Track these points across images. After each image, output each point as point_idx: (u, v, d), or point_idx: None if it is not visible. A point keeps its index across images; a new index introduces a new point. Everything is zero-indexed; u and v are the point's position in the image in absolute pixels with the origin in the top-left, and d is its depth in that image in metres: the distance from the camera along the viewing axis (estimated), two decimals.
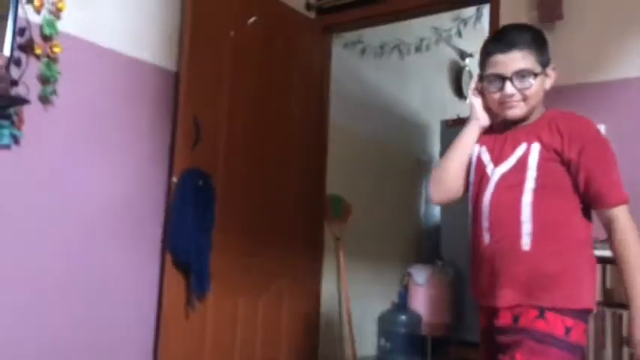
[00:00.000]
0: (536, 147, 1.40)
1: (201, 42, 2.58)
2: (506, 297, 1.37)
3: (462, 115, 4.38)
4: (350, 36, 3.65)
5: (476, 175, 1.48)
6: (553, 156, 1.39)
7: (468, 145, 1.51)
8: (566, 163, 1.39)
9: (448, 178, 1.52)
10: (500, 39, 1.46)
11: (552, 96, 2.49)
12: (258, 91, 2.90)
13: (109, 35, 2.36)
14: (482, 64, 1.49)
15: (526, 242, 1.36)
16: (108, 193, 2.35)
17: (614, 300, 1.91)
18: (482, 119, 1.51)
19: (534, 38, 1.48)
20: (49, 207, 2.14)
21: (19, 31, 2.00)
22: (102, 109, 2.34)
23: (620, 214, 1.36)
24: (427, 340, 3.60)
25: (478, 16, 4.18)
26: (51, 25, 2.09)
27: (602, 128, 2.38)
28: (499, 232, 1.39)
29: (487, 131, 1.53)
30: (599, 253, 1.92)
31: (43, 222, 2.12)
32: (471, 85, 1.55)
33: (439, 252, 4.00)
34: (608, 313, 1.92)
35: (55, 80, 2.12)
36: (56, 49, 2.10)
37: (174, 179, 2.45)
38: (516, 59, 1.41)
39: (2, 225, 2.00)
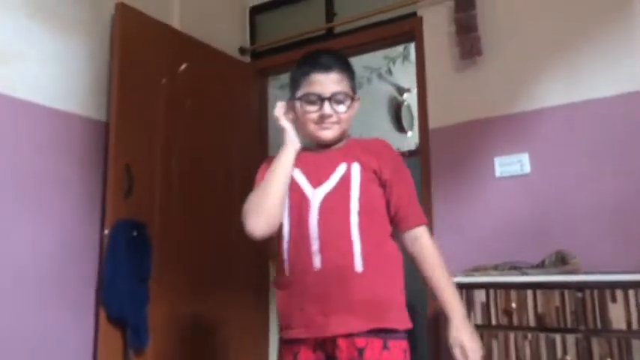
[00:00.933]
0: (356, 167, 1.42)
1: (131, 90, 2.57)
2: (346, 323, 1.31)
3: (402, 150, 4.48)
4: (286, 78, 3.70)
5: (292, 199, 1.41)
6: (372, 176, 1.42)
7: (289, 169, 1.42)
8: (383, 184, 1.43)
9: (272, 203, 1.39)
10: (318, 60, 1.44)
11: (478, 127, 2.61)
12: (194, 136, 2.88)
13: (33, 89, 2.32)
14: (297, 84, 1.46)
15: (358, 263, 1.34)
16: (37, 250, 2.27)
17: (546, 325, 1.95)
18: (296, 143, 1.45)
19: (348, 65, 1.49)
20: None
21: None
22: (26, 162, 2.27)
23: (425, 232, 1.46)
24: None
25: (405, 55, 4.33)
26: None
27: (525, 156, 2.49)
28: (331, 254, 1.35)
29: (299, 155, 1.47)
30: (528, 279, 1.98)
31: None
32: (278, 109, 1.49)
33: None
34: (542, 337, 1.96)
35: None
36: None
37: (106, 231, 2.39)
38: (335, 81, 1.42)
39: None
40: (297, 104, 1.45)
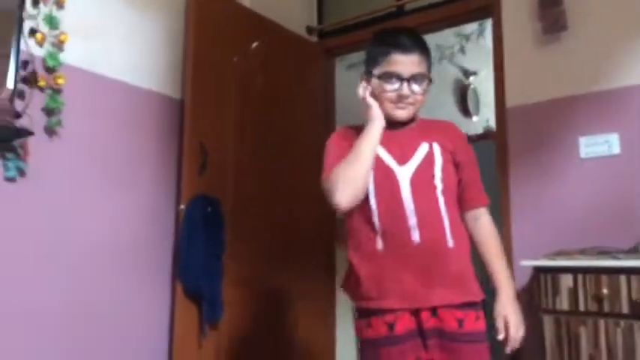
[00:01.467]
0: (437, 148, 1.48)
1: (204, 68, 2.58)
2: (446, 296, 1.40)
3: (469, 133, 4.35)
4: (353, 57, 3.65)
5: (377, 175, 1.43)
6: (449, 157, 1.49)
7: (376, 144, 1.44)
8: (456, 165, 1.50)
9: (361, 176, 1.40)
10: (398, 40, 1.47)
11: (561, 105, 2.49)
12: (264, 115, 2.88)
13: (113, 66, 2.36)
14: (375, 61, 1.49)
15: (450, 239, 1.43)
16: (116, 224, 2.32)
17: None
18: (382, 119, 1.46)
19: (426, 46, 1.52)
20: (56, 240, 2.11)
21: (22, 64, 2.00)
22: (107, 139, 2.32)
23: (487, 212, 1.54)
24: None
25: (480, 31, 4.18)
26: (54, 57, 2.09)
27: (615, 136, 2.36)
28: (428, 229, 1.40)
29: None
30: (623, 263, 1.87)
31: (51, 255, 2.09)
32: (362, 88, 1.50)
33: None
34: (636, 325, 1.85)
35: (60, 111, 2.11)
36: (60, 81, 2.10)
37: (182, 206, 2.41)
38: (415, 62, 1.46)
39: (9, 259, 1.97)
40: (375, 81, 1.49)
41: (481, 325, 1.44)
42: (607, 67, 2.42)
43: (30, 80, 2.03)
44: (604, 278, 1.92)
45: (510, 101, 2.66)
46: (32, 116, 2.00)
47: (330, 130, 3.36)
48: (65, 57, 2.14)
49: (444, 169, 1.46)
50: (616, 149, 2.35)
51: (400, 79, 1.44)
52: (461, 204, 1.51)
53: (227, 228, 2.51)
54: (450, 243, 1.43)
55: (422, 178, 1.43)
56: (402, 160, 1.45)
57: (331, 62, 3.50)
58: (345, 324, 3.31)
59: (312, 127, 3.21)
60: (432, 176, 1.44)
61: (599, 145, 2.39)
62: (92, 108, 2.28)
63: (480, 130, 4.36)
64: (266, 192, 2.83)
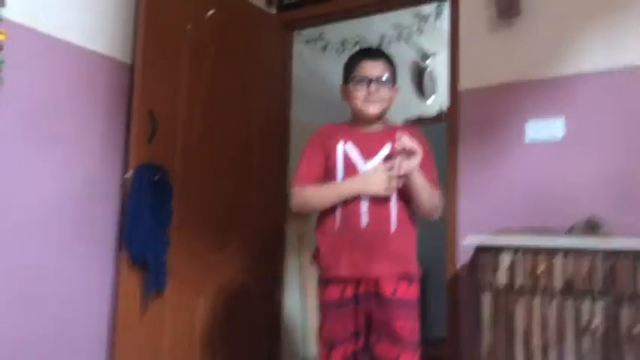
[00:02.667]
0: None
1: (156, 34, 2.51)
2: (385, 268, 1.71)
3: (423, 116, 4.41)
4: (311, 32, 3.63)
5: (346, 168, 1.75)
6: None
7: (343, 199, 1.73)
8: None
9: (316, 210, 1.81)
10: (368, 51, 1.91)
11: (512, 90, 2.54)
12: (217, 86, 2.83)
13: (60, 25, 2.26)
14: (349, 69, 1.83)
15: (393, 225, 1.73)
16: (58, 191, 2.24)
17: (574, 290, 1.92)
18: (366, 192, 1.72)
19: (392, 61, 1.88)
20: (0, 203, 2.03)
21: None
22: (51, 100, 2.23)
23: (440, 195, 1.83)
24: None
25: (438, 13, 4.21)
26: None
27: (561, 121, 2.43)
28: (375, 216, 1.71)
29: (348, 130, 1.83)
30: (557, 243, 1.94)
31: None
32: (393, 166, 1.70)
33: None
34: (568, 302, 1.93)
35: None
36: (0, 37, 1.99)
37: (129, 174, 2.36)
38: (381, 67, 1.80)
39: None
40: (350, 85, 1.82)
41: (413, 292, 1.76)
42: (557, 53, 2.48)
43: None
44: (541, 256, 1.99)
45: (463, 84, 2.70)
46: None
47: (284, 104, 3.34)
48: (6, 12, 2.03)
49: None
50: (560, 134, 2.42)
51: (368, 80, 1.77)
52: None
53: (175, 198, 2.47)
54: (393, 228, 1.73)
55: None
56: (367, 157, 1.76)
57: (289, 36, 3.46)
58: (292, 299, 3.34)
59: (267, 100, 3.17)
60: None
61: (544, 129, 2.46)
62: (35, 68, 2.18)
63: (433, 113, 4.43)
64: (216, 164, 2.79)
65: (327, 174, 1.79)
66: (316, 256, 1.82)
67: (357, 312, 1.73)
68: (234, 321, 2.83)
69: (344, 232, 1.73)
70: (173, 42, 2.60)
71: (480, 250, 2.12)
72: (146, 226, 2.31)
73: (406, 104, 4.65)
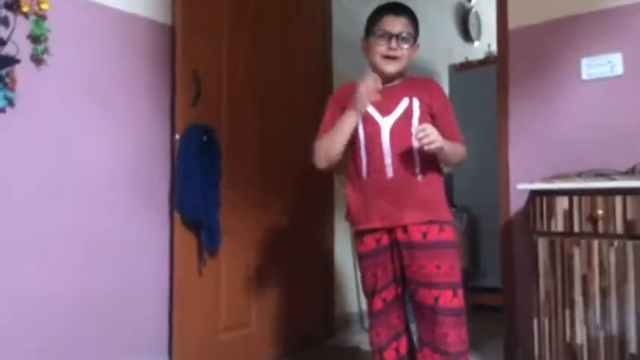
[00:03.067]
0: (416, 102, 1.79)
1: None
2: (414, 216, 1.75)
3: (470, 59, 4.26)
4: None
5: (366, 125, 1.79)
6: (426, 108, 1.80)
7: (352, 128, 1.79)
8: (433, 115, 1.81)
9: (336, 152, 1.81)
10: (391, 6, 1.84)
11: (564, 25, 2.41)
12: (257, 43, 2.80)
13: None
14: (371, 23, 1.83)
15: (419, 174, 1.78)
16: (110, 154, 2.31)
17: (635, 232, 1.85)
18: (357, 116, 1.77)
19: (415, 16, 1.86)
20: (50, 171, 2.10)
21: None
22: (97, 66, 2.27)
23: (464, 146, 1.85)
24: None
25: None
26: None
27: (618, 57, 2.30)
28: (400, 167, 1.76)
29: None
30: (619, 184, 1.87)
31: (46, 187, 2.09)
32: (366, 79, 1.74)
33: (452, 199, 3.95)
34: (629, 244, 1.87)
35: (46, 38, 2.04)
36: (44, 6, 2.02)
37: (177, 136, 2.39)
38: (403, 24, 1.79)
39: (5, 188, 1.97)
40: (371, 39, 1.82)
41: (445, 235, 1.77)
42: None
43: (13, 6, 1.95)
44: (599, 199, 1.92)
45: (512, 22, 2.58)
46: (18, 44, 1.94)
47: (326, 56, 3.28)
48: None
49: (420, 120, 1.77)
50: (619, 70, 2.29)
51: (390, 35, 1.77)
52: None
53: (224, 157, 2.50)
54: (419, 177, 1.78)
55: (400, 127, 1.77)
56: (386, 113, 1.79)
57: None
58: (343, 254, 3.37)
59: (308, 52, 3.13)
60: (410, 125, 1.76)
61: (601, 66, 2.33)
62: (79, 35, 2.21)
63: (481, 56, 4.26)
64: (262, 121, 2.80)
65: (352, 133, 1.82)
66: (348, 212, 1.88)
67: (393, 259, 1.81)
68: (288, 274, 2.89)
69: (371, 185, 1.79)
70: (212, 0, 2.57)
71: (535, 195, 2.06)
72: (197, 186, 2.36)
73: (451, 49, 4.49)
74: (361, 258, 1.87)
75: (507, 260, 2.55)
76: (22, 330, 2.00)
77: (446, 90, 4.24)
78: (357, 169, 1.82)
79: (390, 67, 1.80)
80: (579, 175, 2.15)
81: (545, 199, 2.04)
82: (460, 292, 1.74)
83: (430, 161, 1.79)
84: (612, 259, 1.90)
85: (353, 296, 3.38)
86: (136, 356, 2.33)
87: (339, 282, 3.32)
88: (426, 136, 1.65)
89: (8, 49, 1.91)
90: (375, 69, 1.82)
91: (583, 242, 1.96)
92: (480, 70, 3.94)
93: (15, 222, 1.99)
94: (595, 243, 1.93)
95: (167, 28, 2.52)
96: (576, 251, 1.97)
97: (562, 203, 2.00)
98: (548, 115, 2.45)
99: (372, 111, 1.80)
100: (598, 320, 1.91)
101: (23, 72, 1.98)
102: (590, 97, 2.36)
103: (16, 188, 2.00)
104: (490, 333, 2.91)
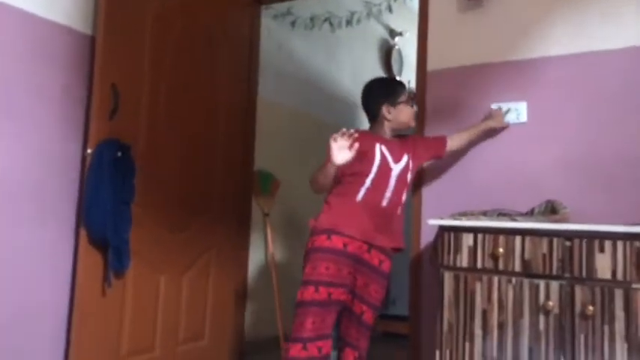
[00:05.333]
0: (410, 158, 2.31)
1: (119, 4, 2.42)
2: (386, 241, 2.21)
3: None
4: (279, 7, 3.56)
5: (381, 164, 2.21)
6: (414, 161, 2.34)
7: (332, 174, 2.11)
8: (418, 157, 2.36)
9: (325, 189, 2.21)
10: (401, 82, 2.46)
11: (478, 72, 2.57)
12: (182, 61, 2.76)
13: None
14: (398, 93, 2.33)
15: (400, 210, 2.27)
16: (15, 164, 2.18)
17: (532, 270, 1.98)
18: (337, 160, 2.01)
19: None
20: None
21: None
22: (7, 71, 2.15)
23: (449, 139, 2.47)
24: None
25: None
26: None
27: (523, 105, 2.47)
28: (392, 201, 2.22)
29: (378, 137, 2.28)
30: (518, 225, 1.99)
31: None
32: (334, 138, 2.00)
33: None
34: (526, 282, 1.99)
35: None
36: None
37: (89, 150, 2.30)
38: None
39: None
40: (401, 105, 2.32)
41: (389, 267, 2.26)
42: (522, 37, 2.50)
43: None
44: (501, 238, 2.03)
45: (431, 64, 2.71)
46: None
47: (251, 80, 3.29)
48: None
49: (411, 171, 2.31)
50: (524, 117, 2.46)
51: (413, 102, 2.39)
52: (438, 154, 2.43)
53: (138, 175, 2.42)
54: (399, 211, 2.27)
55: (402, 175, 2.27)
56: (396, 161, 2.26)
57: (257, 10, 3.40)
58: (258, 276, 3.35)
59: (233, 75, 3.12)
60: (406, 176, 2.29)
61: (509, 112, 2.49)
62: None
63: None
64: (181, 140, 2.74)
65: (362, 165, 2.16)
66: (325, 215, 2.16)
67: (347, 267, 2.11)
68: (199, 299, 2.82)
69: (365, 205, 2.16)
70: (136, 13, 2.52)
71: (444, 231, 2.15)
72: (107, 204, 2.26)
73: None
74: (320, 251, 2.09)
75: (415, 291, 2.64)
76: None
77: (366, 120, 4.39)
78: (353, 189, 2.18)
79: (413, 124, 2.42)
80: (484, 213, 2.27)
81: (452, 234, 2.13)
82: (377, 314, 2.25)
83: (404, 203, 2.29)
84: (510, 294, 2.01)
85: (265, 319, 3.35)
86: None
87: (256, 306, 3.28)
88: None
89: None
90: (402, 126, 2.34)
91: (485, 278, 2.06)
92: None
93: None
94: (495, 279, 2.04)
95: (87, 37, 2.44)
96: (478, 286, 2.06)
97: (467, 240, 2.10)
98: (458, 154, 2.58)
99: (386, 152, 2.25)
100: (495, 353, 2.01)
101: None
102: (498, 140, 2.51)
103: None
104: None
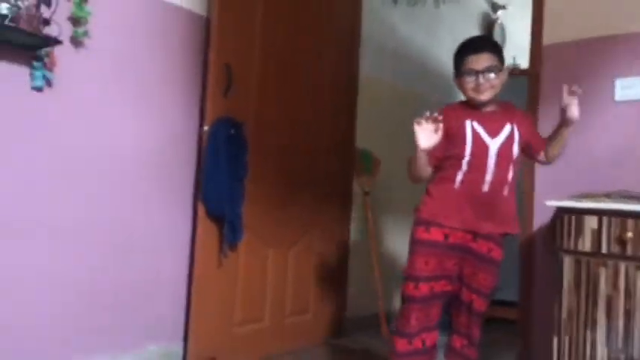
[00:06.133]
0: (516, 129, 1.97)
1: None
2: (492, 227, 1.96)
3: None
4: None
5: (475, 142, 1.94)
6: (521, 135, 1.97)
7: (425, 161, 1.94)
8: (524, 135, 1.99)
9: (422, 178, 2.02)
10: (471, 45, 1.99)
11: (600, 46, 2.40)
12: (289, 40, 2.80)
13: None
14: (458, 64, 1.99)
15: (505, 191, 1.97)
16: (139, 141, 2.31)
17: None
18: (423, 144, 1.87)
19: (496, 45, 2.04)
20: (81, 151, 2.11)
21: None
22: (134, 52, 2.27)
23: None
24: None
25: None
26: None
27: None
28: (495, 185, 1.94)
29: (470, 110, 1.99)
30: None
31: (77, 165, 2.09)
32: (420, 118, 1.86)
33: None
34: None
35: (86, 21, 2.04)
36: None
37: (206, 128, 2.39)
38: (485, 59, 1.94)
39: (35, 168, 1.98)
40: (461, 79, 1.98)
41: (500, 254, 1.99)
42: None
43: None
44: (630, 222, 1.91)
45: (547, 38, 2.57)
46: (59, 25, 1.94)
47: (353, 57, 3.28)
48: None
49: (517, 142, 1.96)
50: None
51: (476, 72, 1.92)
52: (533, 150, 2.02)
53: (249, 152, 2.50)
54: (505, 192, 1.97)
55: (504, 150, 1.95)
56: (493, 135, 1.95)
57: None
58: (359, 253, 3.37)
59: (337, 53, 3.13)
60: (511, 150, 1.95)
61: (635, 87, 2.33)
62: (118, 20, 2.21)
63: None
64: (289, 117, 2.79)
65: (454, 147, 1.94)
66: (424, 205, 2.01)
67: (451, 257, 1.97)
68: (303, 272, 2.89)
69: (464, 192, 1.95)
70: None
71: (563, 213, 2.05)
72: (223, 180, 2.35)
73: None
74: (419, 244, 1.98)
75: (527, 275, 2.55)
76: (45, 313, 2.01)
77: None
78: (451, 175, 1.97)
79: (483, 97, 1.94)
80: (607, 195, 2.14)
81: (573, 217, 2.03)
82: (488, 302, 2.03)
83: (515, 176, 1.99)
84: (639, 282, 1.89)
85: (368, 299, 3.37)
86: (154, 343, 2.34)
87: (356, 284, 3.31)
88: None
89: (50, 30, 1.90)
90: (470, 100, 1.99)
91: (610, 263, 1.95)
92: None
93: (40, 202, 2.00)
94: (622, 265, 1.93)
95: (202, 19, 2.52)
96: (602, 272, 1.96)
97: (591, 223, 1.99)
98: (577, 132, 2.43)
99: (480, 130, 1.96)
100: (620, 343, 1.91)
101: (62, 53, 1.98)
102: (622, 118, 2.35)
103: (46, 165, 2.00)
104: (501, 346, 2.91)
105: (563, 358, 2.00)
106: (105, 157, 2.18)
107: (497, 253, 1.98)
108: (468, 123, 1.95)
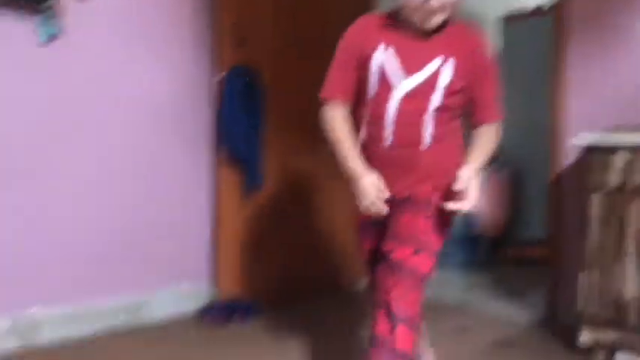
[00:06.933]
0: (449, 66, 1.41)
1: None
2: (414, 188, 1.51)
3: (520, 11, 4.04)
4: None
5: (380, 84, 1.44)
6: (460, 75, 1.42)
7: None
8: (468, 83, 1.44)
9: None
10: None
11: None
12: None
13: None
14: None
15: (425, 143, 1.45)
16: (154, 89, 2.32)
17: None
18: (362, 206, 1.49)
19: None
20: (95, 101, 2.13)
21: None
22: (144, 2, 2.25)
23: (497, 126, 1.53)
24: (483, 240, 3.56)
25: None
26: None
27: None
28: (402, 135, 1.46)
29: (393, 29, 1.44)
30: None
31: (91, 116, 2.12)
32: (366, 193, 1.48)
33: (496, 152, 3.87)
34: None
35: None
36: None
37: (223, 73, 2.38)
38: None
39: (49, 121, 2.01)
40: None
41: (437, 198, 1.48)
42: None
43: None
44: None
45: None
46: None
47: (370, 6, 3.18)
48: None
49: (447, 89, 1.42)
50: None
51: None
52: (472, 117, 1.51)
53: (267, 100, 2.49)
54: (424, 146, 1.46)
55: (418, 93, 1.42)
56: (409, 71, 1.42)
57: None
58: None
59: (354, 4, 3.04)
60: (429, 96, 1.42)
61: None
62: None
63: (530, 7, 4.06)
64: (305, 67, 2.74)
65: (361, 84, 1.48)
66: None
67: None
68: (326, 223, 2.91)
69: (370, 148, 1.52)
70: None
71: (591, 150, 2.00)
72: (242, 126, 2.37)
73: None
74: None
75: (556, 213, 2.51)
76: (79, 252, 2.10)
77: (495, 42, 4.09)
78: (359, 125, 1.56)
79: (433, 22, 1.39)
80: (637, 129, 2.07)
81: (602, 153, 1.97)
82: (434, 259, 1.50)
83: (444, 125, 1.48)
84: None
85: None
86: (182, 281, 2.43)
87: None
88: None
89: None
90: (407, 19, 1.42)
91: (638, 200, 1.90)
92: (529, 22, 3.78)
93: (56, 148, 2.04)
94: None
95: None
96: (632, 206, 1.92)
97: (620, 158, 1.94)
98: (604, 68, 2.34)
99: (391, 65, 1.43)
100: None
101: (71, 4, 1.98)
102: None
103: (57, 117, 2.04)
104: (530, 284, 2.92)
105: (592, 292, 1.99)
106: (120, 107, 2.20)
107: (436, 198, 1.48)
108: (378, 52, 1.43)
